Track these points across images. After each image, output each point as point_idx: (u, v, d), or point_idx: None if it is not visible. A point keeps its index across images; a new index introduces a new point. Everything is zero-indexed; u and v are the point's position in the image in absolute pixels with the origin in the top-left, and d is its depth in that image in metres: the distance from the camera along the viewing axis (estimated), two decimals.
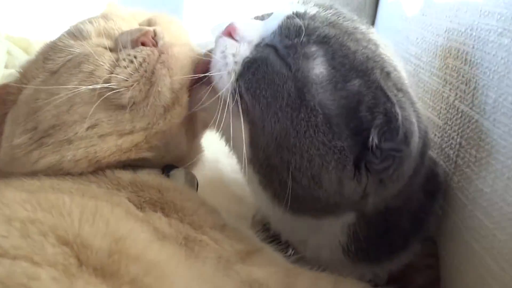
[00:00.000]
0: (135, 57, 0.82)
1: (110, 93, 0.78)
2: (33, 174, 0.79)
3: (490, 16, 0.86)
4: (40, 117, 0.79)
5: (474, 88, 0.89)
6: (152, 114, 0.81)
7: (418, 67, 1.16)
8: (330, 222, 0.89)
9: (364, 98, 0.78)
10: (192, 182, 0.91)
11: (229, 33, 0.85)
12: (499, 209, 0.78)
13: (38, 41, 2.05)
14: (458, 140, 0.94)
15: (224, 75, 0.82)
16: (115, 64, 0.82)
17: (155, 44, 0.84)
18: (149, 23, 0.94)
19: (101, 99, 0.78)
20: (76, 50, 0.84)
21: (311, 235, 0.93)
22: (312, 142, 0.78)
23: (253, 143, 0.83)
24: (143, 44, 0.84)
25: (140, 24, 0.94)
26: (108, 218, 0.67)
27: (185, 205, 0.80)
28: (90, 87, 0.78)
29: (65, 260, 0.60)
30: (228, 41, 0.85)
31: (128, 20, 0.94)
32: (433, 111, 1.08)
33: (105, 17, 0.91)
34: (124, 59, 0.82)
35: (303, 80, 0.78)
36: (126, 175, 0.82)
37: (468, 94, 0.91)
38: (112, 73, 0.80)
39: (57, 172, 0.79)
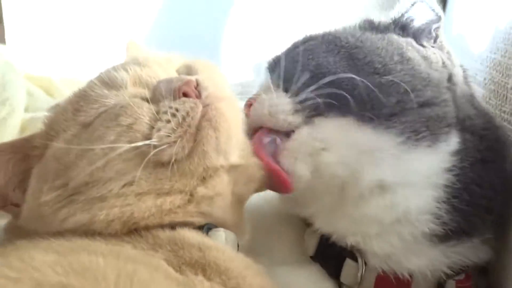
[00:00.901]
0: (177, 110, 0.82)
1: (151, 150, 0.79)
2: (60, 233, 0.79)
3: None
4: (71, 174, 0.80)
5: None
6: (194, 176, 0.82)
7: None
8: (441, 145, 0.95)
9: None
10: (234, 244, 0.89)
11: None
12: None
13: (61, 80, 2.10)
14: None
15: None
16: (156, 117, 0.82)
17: (198, 96, 0.85)
18: (188, 70, 0.96)
19: (140, 156, 0.79)
20: (111, 101, 0.85)
21: (416, 193, 0.95)
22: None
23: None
24: (185, 95, 0.84)
25: (177, 71, 0.96)
26: (148, 284, 0.67)
27: (229, 266, 0.78)
28: (132, 145, 0.79)
29: None
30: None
31: (164, 66, 0.95)
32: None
33: (139, 63, 0.92)
34: (165, 112, 0.82)
35: None
36: (164, 233, 0.81)
37: None
38: (153, 127, 0.81)
39: (87, 231, 0.79)
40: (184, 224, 0.83)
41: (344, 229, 0.99)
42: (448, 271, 0.97)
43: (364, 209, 0.96)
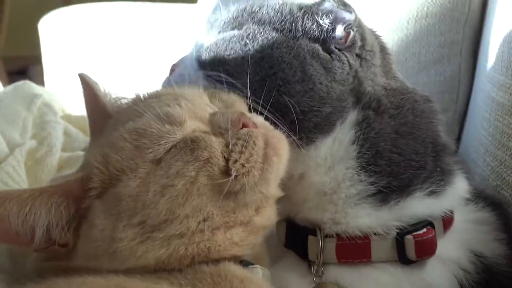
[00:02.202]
0: (246, 140, 0.86)
1: (228, 182, 0.83)
2: (116, 270, 0.82)
3: None
4: (150, 212, 0.83)
5: None
6: (253, 206, 0.87)
7: None
8: (341, 131, 1.06)
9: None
10: (269, 281, 0.92)
11: None
12: None
13: None
14: None
15: None
16: (227, 149, 0.86)
17: (255, 126, 0.89)
18: (225, 103, 1.00)
19: (214, 189, 0.84)
20: (177, 136, 0.87)
21: (327, 171, 1.06)
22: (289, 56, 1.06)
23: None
24: (244, 125, 0.89)
25: (212, 104, 0.99)
26: None
27: None
28: (221, 181, 0.83)
29: None
30: None
31: (201, 100, 0.98)
32: None
33: (186, 98, 0.96)
34: (235, 144, 0.86)
35: None
36: (208, 267, 0.84)
37: None
38: (225, 159, 0.86)
39: (158, 267, 0.83)
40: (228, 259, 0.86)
41: (294, 209, 1.09)
42: (399, 225, 1.03)
43: (300, 193, 1.07)
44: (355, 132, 1.06)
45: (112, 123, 0.98)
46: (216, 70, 1.08)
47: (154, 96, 1.00)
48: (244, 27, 1.12)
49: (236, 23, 1.15)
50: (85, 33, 2.42)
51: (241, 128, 0.89)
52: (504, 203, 1.16)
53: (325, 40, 1.11)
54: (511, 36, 1.24)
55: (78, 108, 2.27)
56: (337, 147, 1.06)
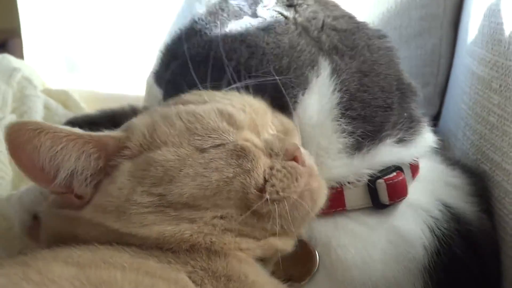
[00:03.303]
0: (290, 173, 0.88)
1: (259, 200, 0.85)
2: (121, 236, 0.82)
3: None
4: (173, 189, 0.83)
5: None
6: (275, 232, 0.87)
7: (502, 118, 1.15)
8: (315, 80, 1.09)
9: None
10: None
11: None
12: None
13: (79, 92, 2.11)
14: None
15: None
16: (270, 172, 0.88)
17: (304, 164, 0.91)
18: (284, 130, 1.01)
19: (242, 199, 0.85)
20: (230, 138, 0.89)
21: (320, 129, 1.07)
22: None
23: None
24: (295, 159, 0.90)
25: (273, 124, 1.00)
26: None
27: (256, 280, 0.83)
28: (253, 196, 0.86)
29: None
30: None
31: (265, 116, 1.00)
32: None
33: (252, 107, 0.98)
34: (279, 170, 0.88)
35: None
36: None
37: None
38: (265, 179, 0.87)
39: (156, 244, 0.83)
40: None
41: None
42: (370, 172, 1.07)
43: None
44: (333, 80, 1.08)
45: (173, 101, 1.01)
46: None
47: (223, 93, 1.02)
48: (178, 56, 1.16)
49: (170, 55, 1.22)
50: (66, 5, 2.39)
51: (291, 160, 0.90)
52: (483, 176, 1.17)
53: (253, 12, 1.17)
54: (491, 10, 1.24)
55: (58, 81, 2.26)
56: (324, 101, 1.08)
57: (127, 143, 0.88)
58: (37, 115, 1.58)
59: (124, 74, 2.36)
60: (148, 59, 2.33)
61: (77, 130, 0.88)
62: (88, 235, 0.84)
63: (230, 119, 0.91)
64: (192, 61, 1.09)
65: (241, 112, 0.93)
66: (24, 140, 0.82)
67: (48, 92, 1.90)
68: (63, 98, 1.90)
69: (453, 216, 1.07)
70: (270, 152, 0.91)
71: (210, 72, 1.07)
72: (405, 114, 1.12)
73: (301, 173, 0.89)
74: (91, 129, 1.64)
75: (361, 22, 1.21)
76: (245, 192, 0.85)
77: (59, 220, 0.89)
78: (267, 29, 1.11)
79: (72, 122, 1.78)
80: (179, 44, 1.17)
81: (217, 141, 0.87)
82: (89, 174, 0.87)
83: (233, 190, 0.84)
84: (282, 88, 1.05)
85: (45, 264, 0.74)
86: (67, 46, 2.39)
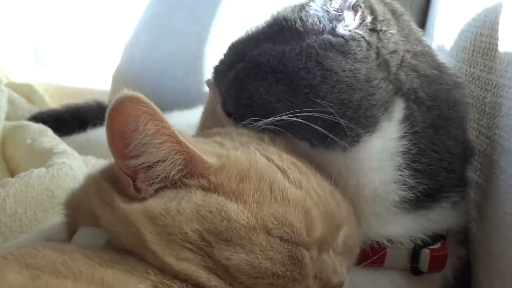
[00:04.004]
0: None
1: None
2: (141, 247, 0.79)
3: None
4: (225, 251, 0.79)
5: None
6: None
7: None
8: (386, 124, 0.99)
9: None
10: None
11: None
12: None
13: (43, 85, 2.09)
14: (509, 211, 0.93)
15: None
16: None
17: None
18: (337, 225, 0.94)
19: None
20: (298, 241, 0.84)
21: (378, 174, 1.00)
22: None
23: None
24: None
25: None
26: None
27: None
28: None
29: None
30: None
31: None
32: (482, 175, 1.09)
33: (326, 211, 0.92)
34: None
35: None
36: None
37: None
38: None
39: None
40: None
41: None
42: (423, 237, 1.02)
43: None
44: (404, 127, 1.00)
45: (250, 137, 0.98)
46: (241, 115, 1.02)
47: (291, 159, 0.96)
48: (247, 58, 1.05)
49: (236, 56, 1.09)
50: None
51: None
52: None
53: (333, 28, 1.03)
54: (456, 16, 1.25)
55: (23, 74, 2.23)
56: (387, 144, 1.00)
57: (212, 175, 0.85)
58: (1, 110, 1.55)
59: (90, 68, 2.34)
60: (115, 53, 2.32)
61: (180, 134, 0.84)
62: (104, 224, 0.83)
63: (309, 225, 0.86)
64: (259, 70, 1.02)
65: (321, 224, 0.87)
66: (132, 113, 0.79)
67: (12, 86, 1.88)
68: (27, 92, 1.88)
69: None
70: (318, 276, 0.87)
71: (275, 86, 1.00)
72: (463, 177, 1.07)
73: None
74: (55, 125, 1.63)
75: (441, 63, 1.09)
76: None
77: (93, 191, 0.86)
78: (347, 52, 1.00)
79: (37, 118, 1.76)
80: (249, 46, 1.08)
81: (286, 235, 0.83)
82: (162, 177, 0.83)
83: (274, 286, 0.81)
84: (346, 126, 0.96)
85: (2, 268, 0.73)
86: (34, 37, 2.37)
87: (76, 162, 1.33)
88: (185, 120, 1.58)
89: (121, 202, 0.82)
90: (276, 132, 0.98)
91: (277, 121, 0.96)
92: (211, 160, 0.85)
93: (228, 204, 0.81)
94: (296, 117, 0.95)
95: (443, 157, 1.02)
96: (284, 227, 0.82)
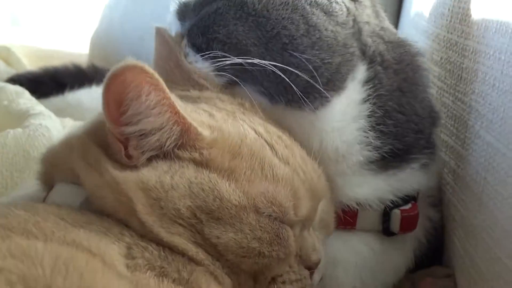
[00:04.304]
0: (301, 281, 0.87)
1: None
2: (129, 215, 0.78)
3: None
4: (214, 229, 0.79)
5: (502, 118, 0.89)
6: None
7: (442, 90, 1.17)
8: (350, 83, 1.00)
9: None
10: None
11: None
12: None
13: (21, 48, 2.07)
14: (483, 174, 0.94)
15: None
16: (289, 270, 0.86)
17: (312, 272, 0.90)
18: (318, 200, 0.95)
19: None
20: (285, 220, 0.85)
21: (340, 134, 1.01)
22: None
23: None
24: (309, 268, 0.89)
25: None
26: (83, 271, 0.66)
27: None
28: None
29: None
30: None
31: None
32: (457, 140, 1.09)
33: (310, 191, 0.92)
34: (294, 273, 0.86)
35: None
36: None
37: (496, 124, 0.91)
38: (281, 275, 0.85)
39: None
40: None
41: None
42: (393, 198, 1.05)
43: None
44: (367, 90, 1.02)
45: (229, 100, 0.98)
46: (210, 49, 1.00)
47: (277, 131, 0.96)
48: None
49: None
50: None
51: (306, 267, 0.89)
52: None
53: None
54: None
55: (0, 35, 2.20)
56: (350, 107, 1.01)
57: (205, 149, 0.84)
58: None
59: (68, 31, 2.32)
60: (93, 16, 2.30)
61: (179, 104, 0.83)
62: (87, 187, 0.81)
63: (297, 203, 0.86)
64: (241, 11, 1.00)
65: (307, 202, 0.88)
66: (134, 82, 0.78)
67: None
68: (4, 54, 1.86)
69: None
70: (298, 253, 0.88)
71: (254, 30, 0.98)
72: (431, 139, 1.09)
73: (309, 285, 0.88)
74: (33, 87, 1.62)
75: (404, 38, 1.13)
76: (263, 273, 0.83)
77: (77, 152, 0.85)
78: (330, 13, 1.01)
79: (14, 80, 1.75)
80: None
81: (275, 214, 0.83)
82: (155, 146, 0.82)
83: (258, 264, 0.81)
84: (318, 82, 0.96)
85: None
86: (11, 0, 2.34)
87: (53, 124, 1.32)
88: None
89: (112, 168, 0.81)
90: (231, 82, 0.98)
91: (246, 64, 0.95)
92: (205, 132, 0.85)
93: (220, 183, 0.81)
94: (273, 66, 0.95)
95: (410, 119, 1.04)
96: (273, 207, 0.82)
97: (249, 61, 0.95)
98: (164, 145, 0.82)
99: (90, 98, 1.75)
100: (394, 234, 1.06)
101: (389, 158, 1.02)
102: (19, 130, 1.23)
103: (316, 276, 0.92)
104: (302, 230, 0.89)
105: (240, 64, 0.96)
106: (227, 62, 0.96)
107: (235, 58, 0.95)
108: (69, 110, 1.65)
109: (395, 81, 1.04)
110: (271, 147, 0.89)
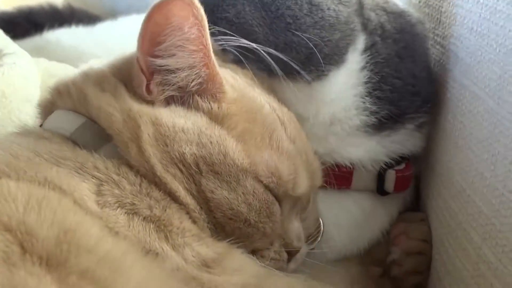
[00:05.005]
0: (278, 261, 0.88)
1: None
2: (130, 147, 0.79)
3: None
4: (211, 182, 0.80)
5: (479, 62, 0.89)
6: None
7: None
8: (350, 55, 1.02)
9: None
10: None
11: None
12: (499, 196, 0.78)
13: None
14: (459, 118, 0.95)
15: None
16: (269, 247, 0.87)
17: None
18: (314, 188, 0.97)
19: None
20: (278, 193, 0.86)
21: (338, 101, 1.03)
22: None
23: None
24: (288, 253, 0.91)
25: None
26: (55, 208, 0.66)
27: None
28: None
29: (7, 247, 0.60)
30: None
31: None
32: (437, 84, 1.10)
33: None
34: (275, 252, 0.88)
35: None
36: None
37: (473, 67, 0.91)
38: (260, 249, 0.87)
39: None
40: None
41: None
42: (387, 160, 1.07)
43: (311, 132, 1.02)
44: (365, 58, 1.03)
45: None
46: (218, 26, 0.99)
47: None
48: None
49: None
50: None
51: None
52: None
53: None
54: None
55: None
56: (349, 76, 1.03)
57: (224, 103, 0.85)
58: None
59: None
60: None
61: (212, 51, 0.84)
62: (92, 103, 0.83)
63: (296, 180, 0.87)
64: None
65: (305, 182, 0.89)
66: (181, 13, 0.79)
67: None
68: None
69: None
70: (283, 236, 0.89)
71: (260, 11, 0.99)
72: (430, 99, 1.09)
73: (284, 268, 0.89)
74: (7, 27, 1.59)
75: (405, 8, 1.14)
76: (247, 240, 0.83)
77: (93, 80, 0.86)
78: None
79: None
80: None
81: (273, 185, 0.84)
82: (179, 85, 0.84)
83: (242, 231, 0.82)
84: (316, 57, 0.97)
85: None
86: None
87: (27, 63, 1.30)
88: None
89: (128, 97, 0.82)
90: (236, 59, 0.98)
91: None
92: (228, 87, 0.86)
93: (228, 140, 0.82)
94: (276, 46, 0.96)
95: (407, 82, 1.05)
96: (273, 177, 0.84)
97: (253, 45, 0.94)
98: (188, 86, 0.84)
99: (70, 37, 1.74)
100: (388, 193, 1.08)
101: (384, 121, 1.04)
102: None
103: (292, 264, 0.93)
104: (291, 212, 0.90)
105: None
106: (233, 44, 0.95)
107: (240, 39, 0.95)
108: (48, 48, 1.65)
109: (393, 49, 1.05)
110: (282, 124, 0.91)
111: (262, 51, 0.94)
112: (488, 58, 0.86)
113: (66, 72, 1.36)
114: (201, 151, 0.80)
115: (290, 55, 0.96)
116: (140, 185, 0.78)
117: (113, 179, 0.76)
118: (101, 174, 0.76)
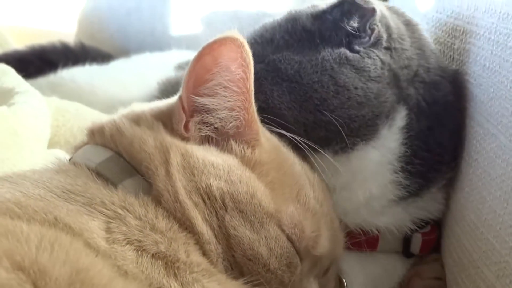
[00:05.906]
0: None
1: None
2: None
3: (511, 19, 0.85)
4: (235, 219, 0.80)
5: (492, 99, 0.89)
6: None
7: None
8: (386, 131, 1.01)
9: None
10: None
11: None
12: None
13: (9, 28, 2.06)
14: (474, 156, 0.95)
15: None
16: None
17: None
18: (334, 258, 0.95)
19: None
20: (300, 245, 0.85)
21: (373, 178, 1.02)
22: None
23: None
24: None
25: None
26: (67, 249, 0.66)
27: None
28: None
29: (20, 286, 0.59)
30: None
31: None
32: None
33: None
34: None
35: None
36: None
37: (486, 104, 0.92)
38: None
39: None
40: None
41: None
42: (412, 226, 1.06)
43: (339, 203, 1.02)
44: (403, 134, 1.02)
45: None
46: None
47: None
48: (266, 60, 1.04)
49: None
50: None
51: None
52: None
53: (349, 42, 1.02)
54: None
55: None
56: (385, 152, 1.02)
57: (257, 153, 0.86)
58: None
59: (54, 10, 2.31)
60: None
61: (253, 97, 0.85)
62: (126, 133, 0.84)
63: (318, 239, 0.86)
64: (277, 77, 1.01)
65: (327, 243, 0.88)
66: (230, 54, 0.80)
67: None
68: None
69: None
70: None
71: (288, 95, 1.00)
72: (454, 159, 1.07)
73: None
74: (20, 66, 1.61)
75: (445, 66, 1.09)
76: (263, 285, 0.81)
77: (130, 119, 0.87)
78: (362, 70, 1.00)
79: (1, 59, 1.74)
80: (269, 48, 1.06)
81: (294, 237, 0.83)
82: (216, 126, 0.85)
83: (261, 274, 0.80)
84: (347, 137, 0.98)
85: None
86: None
87: (38, 102, 1.31)
88: (160, 61, 1.59)
89: (164, 131, 0.84)
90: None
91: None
92: (262, 137, 0.88)
93: (258, 183, 0.83)
94: (305, 125, 0.98)
95: (436, 153, 1.03)
96: (296, 229, 0.83)
97: (288, 134, 0.95)
98: (225, 128, 0.85)
99: (84, 74, 1.76)
100: (413, 255, 1.09)
101: (413, 192, 1.03)
102: (5, 107, 1.21)
103: None
104: (309, 272, 0.89)
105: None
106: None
107: (273, 128, 0.96)
108: (63, 85, 1.68)
109: (426, 123, 1.03)
110: (311, 185, 0.91)
111: (294, 137, 0.94)
112: (500, 95, 0.86)
113: (77, 110, 1.37)
114: (229, 188, 0.80)
115: (319, 133, 0.98)
116: (145, 216, 0.77)
117: (119, 215, 0.76)
118: (108, 210, 0.76)
